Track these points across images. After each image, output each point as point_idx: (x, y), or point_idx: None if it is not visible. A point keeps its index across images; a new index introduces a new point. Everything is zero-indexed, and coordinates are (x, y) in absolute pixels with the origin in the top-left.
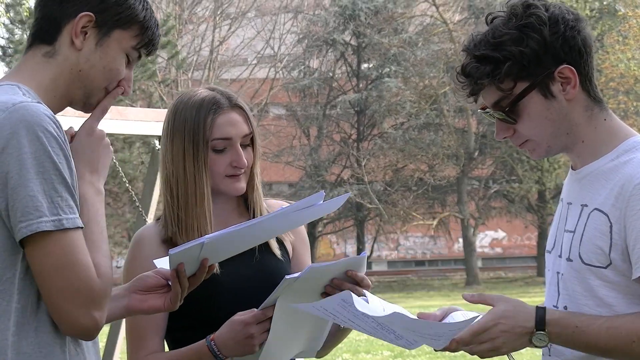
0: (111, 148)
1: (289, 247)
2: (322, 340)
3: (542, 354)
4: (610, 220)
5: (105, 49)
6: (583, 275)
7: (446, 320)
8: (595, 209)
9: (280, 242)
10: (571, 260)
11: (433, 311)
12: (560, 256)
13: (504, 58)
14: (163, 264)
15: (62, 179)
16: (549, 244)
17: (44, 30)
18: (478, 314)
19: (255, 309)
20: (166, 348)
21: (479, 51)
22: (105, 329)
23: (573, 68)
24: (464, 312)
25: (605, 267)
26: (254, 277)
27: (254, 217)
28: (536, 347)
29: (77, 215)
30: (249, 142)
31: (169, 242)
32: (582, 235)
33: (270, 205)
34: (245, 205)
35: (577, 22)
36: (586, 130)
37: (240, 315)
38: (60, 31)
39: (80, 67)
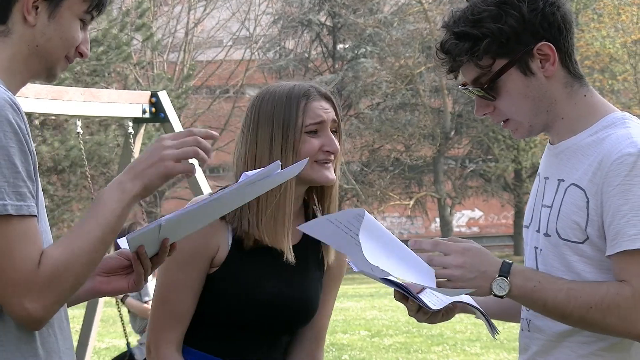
0: (167, 159)
1: (325, 264)
2: None
3: (521, 329)
4: (587, 195)
5: (59, 19)
6: (560, 250)
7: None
8: (572, 184)
9: (321, 261)
10: (549, 236)
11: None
12: (538, 231)
13: (483, 35)
14: (126, 244)
15: (10, 164)
16: (526, 219)
17: None
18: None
19: None
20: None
21: (458, 28)
22: (82, 311)
23: (552, 45)
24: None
25: (582, 243)
26: (286, 294)
27: (322, 214)
28: (495, 295)
29: (29, 202)
30: (336, 130)
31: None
32: (559, 210)
33: None
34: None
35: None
36: (566, 106)
37: None
38: (10, 10)
39: (36, 43)
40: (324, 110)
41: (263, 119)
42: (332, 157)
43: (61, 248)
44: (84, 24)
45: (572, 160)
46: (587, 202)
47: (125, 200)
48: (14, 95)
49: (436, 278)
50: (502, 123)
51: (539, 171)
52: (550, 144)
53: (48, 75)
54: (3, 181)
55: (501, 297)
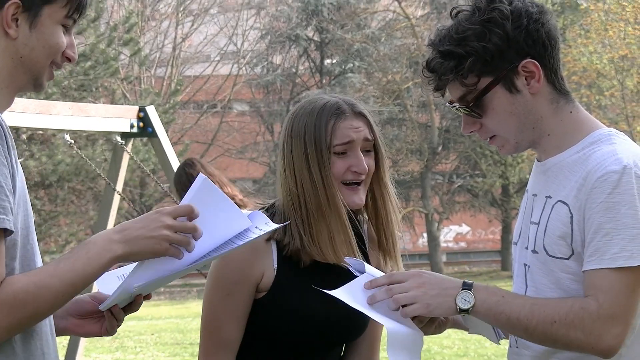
0: (162, 239)
1: None
2: None
3: (509, 346)
4: (571, 211)
5: (40, 28)
6: (549, 267)
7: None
8: (559, 200)
9: None
10: (537, 252)
11: None
12: (526, 248)
13: (467, 54)
14: (103, 288)
15: None
16: (515, 236)
17: None
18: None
19: None
20: None
21: (443, 46)
22: None
23: (537, 62)
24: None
25: (568, 258)
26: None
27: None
28: (461, 311)
29: (9, 217)
30: (371, 149)
31: (283, 246)
32: (546, 227)
33: None
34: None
35: (541, 14)
36: (552, 123)
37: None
38: None
39: (20, 54)
40: (354, 130)
41: (296, 136)
42: (362, 177)
43: (29, 279)
44: (66, 29)
45: (559, 177)
46: (571, 217)
47: (107, 257)
48: (6, 109)
49: (401, 305)
50: (488, 139)
51: (527, 188)
52: (538, 160)
53: (35, 85)
54: None
55: (466, 311)
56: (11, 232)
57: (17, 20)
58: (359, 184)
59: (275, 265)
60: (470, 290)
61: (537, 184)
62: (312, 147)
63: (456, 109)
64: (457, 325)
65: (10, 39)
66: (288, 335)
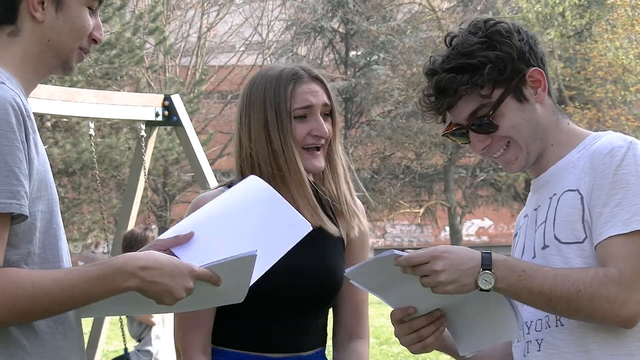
0: (179, 297)
1: (346, 239)
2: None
3: (527, 352)
4: (580, 192)
5: (66, 11)
6: (563, 255)
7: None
8: (566, 190)
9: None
10: (547, 247)
11: None
12: (534, 257)
13: (481, 63)
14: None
15: (3, 163)
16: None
17: (2, 12)
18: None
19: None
20: None
21: (450, 64)
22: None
23: (542, 71)
24: None
25: (582, 242)
26: (306, 262)
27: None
28: (482, 290)
29: (13, 201)
30: (329, 113)
31: None
32: (555, 217)
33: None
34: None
35: (533, 34)
36: (554, 133)
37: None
38: (17, 9)
39: (47, 38)
40: (313, 94)
41: (255, 103)
42: (322, 141)
43: (29, 276)
44: (92, 11)
45: (563, 175)
46: (582, 198)
47: (121, 287)
48: (32, 91)
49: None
50: (498, 156)
51: (522, 214)
52: (533, 178)
53: (64, 69)
54: None
55: (487, 290)
56: (25, 217)
57: (43, 3)
58: (318, 148)
59: None
60: (490, 271)
61: (540, 197)
62: (272, 112)
63: (462, 130)
64: (445, 349)
65: (37, 23)
66: (255, 295)
